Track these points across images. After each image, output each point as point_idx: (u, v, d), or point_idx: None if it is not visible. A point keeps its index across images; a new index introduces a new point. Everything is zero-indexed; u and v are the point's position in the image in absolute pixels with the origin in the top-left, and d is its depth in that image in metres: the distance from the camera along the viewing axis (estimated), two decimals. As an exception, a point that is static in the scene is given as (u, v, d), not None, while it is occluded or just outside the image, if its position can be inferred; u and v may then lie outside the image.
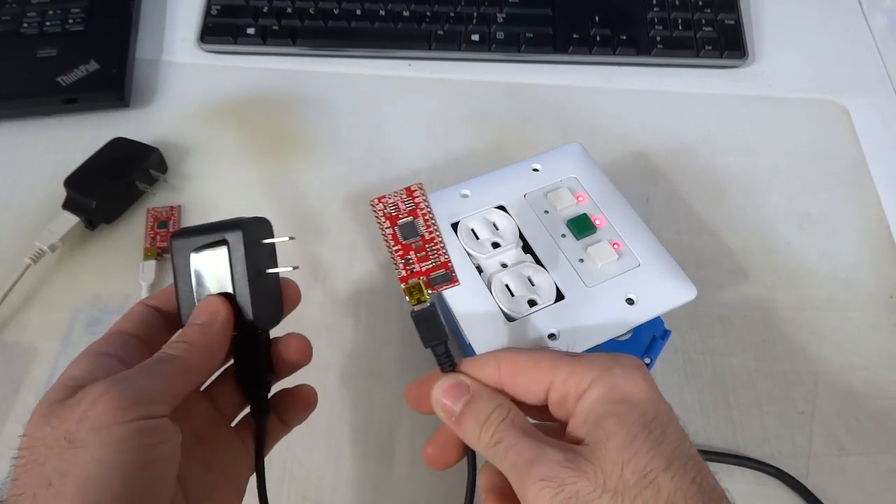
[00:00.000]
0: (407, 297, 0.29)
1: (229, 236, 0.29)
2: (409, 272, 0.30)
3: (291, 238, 0.32)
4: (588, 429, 0.26)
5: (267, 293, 0.31)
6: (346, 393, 0.43)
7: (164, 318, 0.31)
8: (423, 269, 0.30)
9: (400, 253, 0.30)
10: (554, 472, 0.24)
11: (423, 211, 0.30)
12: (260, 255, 0.30)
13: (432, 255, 0.30)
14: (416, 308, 0.29)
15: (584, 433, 0.26)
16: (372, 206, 0.31)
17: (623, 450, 0.24)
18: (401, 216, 0.31)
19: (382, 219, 0.31)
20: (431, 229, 0.30)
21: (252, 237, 0.30)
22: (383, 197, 0.31)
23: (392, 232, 0.30)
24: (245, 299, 0.29)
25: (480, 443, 0.27)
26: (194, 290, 0.30)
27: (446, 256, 0.30)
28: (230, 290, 0.29)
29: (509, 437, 0.26)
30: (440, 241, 0.30)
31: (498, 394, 0.28)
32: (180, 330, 0.29)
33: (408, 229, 0.30)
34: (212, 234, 0.30)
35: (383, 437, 0.42)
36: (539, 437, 0.26)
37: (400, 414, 0.43)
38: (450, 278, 0.30)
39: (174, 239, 0.30)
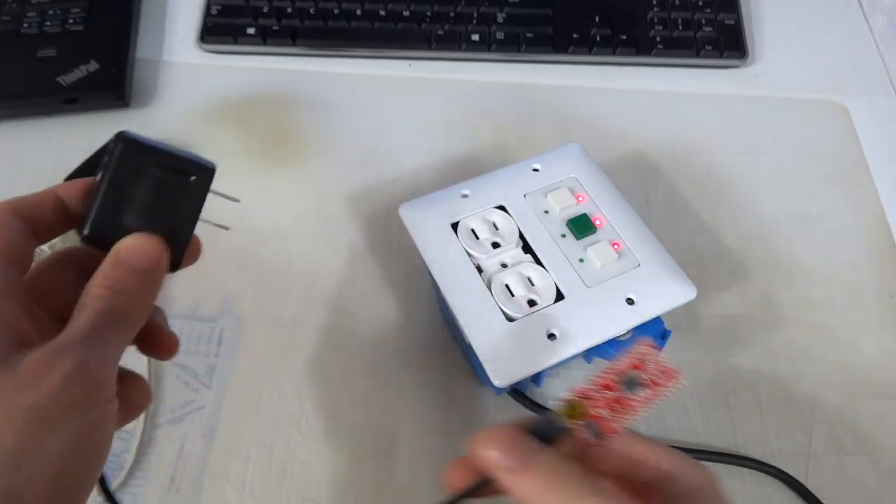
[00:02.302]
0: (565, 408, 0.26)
1: (198, 173, 0.27)
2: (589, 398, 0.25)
3: (237, 200, 0.30)
4: None
5: (187, 243, 0.28)
6: (346, 393, 0.43)
7: (27, 227, 0.26)
8: (600, 413, 0.25)
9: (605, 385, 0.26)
10: None
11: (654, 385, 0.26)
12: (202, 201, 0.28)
13: (619, 414, 0.25)
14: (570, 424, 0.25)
15: None
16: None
17: None
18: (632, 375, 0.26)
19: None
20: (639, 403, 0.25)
21: (211, 181, 0.28)
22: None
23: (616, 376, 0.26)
24: (176, 244, 0.27)
25: None
26: (123, 210, 0.26)
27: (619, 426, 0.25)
28: (164, 229, 0.26)
29: None
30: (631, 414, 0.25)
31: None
32: (111, 270, 0.25)
33: (631, 383, 0.25)
34: (178, 160, 0.27)
35: (383, 437, 0.42)
36: None
37: (400, 414, 0.43)
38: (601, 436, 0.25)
39: (126, 137, 0.26)
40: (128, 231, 0.26)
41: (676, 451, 0.26)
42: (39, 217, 0.26)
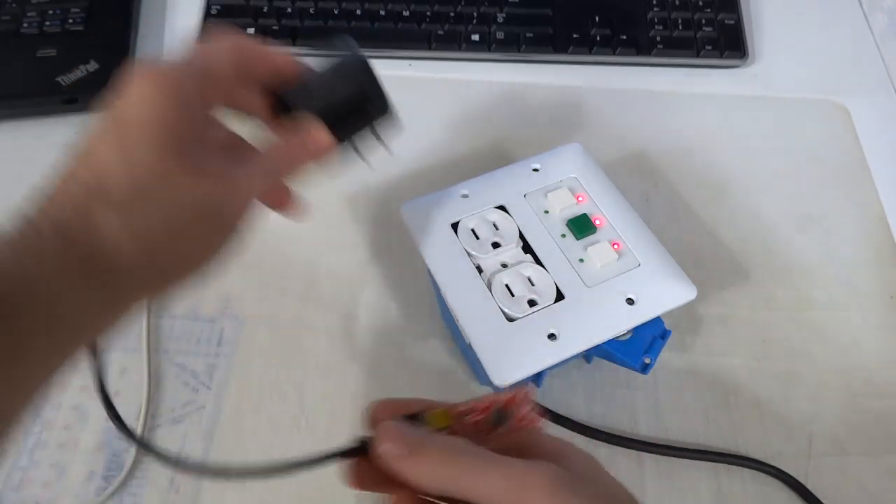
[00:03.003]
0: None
1: (381, 107, 0.35)
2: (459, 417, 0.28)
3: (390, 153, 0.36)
4: None
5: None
6: (346, 393, 0.43)
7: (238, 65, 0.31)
8: (464, 431, 0.27)
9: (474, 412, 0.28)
10: None
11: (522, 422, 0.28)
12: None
13: (476, 438, 0.26)
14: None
15: None
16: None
17: None
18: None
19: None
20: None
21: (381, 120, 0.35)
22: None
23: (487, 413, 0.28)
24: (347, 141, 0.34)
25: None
26: (324, 100, 0.32)
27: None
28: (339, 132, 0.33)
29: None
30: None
31: None
32: (294, 139, 0.32)
33: (500, 418, 0.28)
34: (379, 92, 0.35)
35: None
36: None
37: (400, 414, 0.43)
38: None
39: (358, 56, 0.34)
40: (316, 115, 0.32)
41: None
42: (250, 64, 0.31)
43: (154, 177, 0.26)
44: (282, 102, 0.32)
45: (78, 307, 0.25)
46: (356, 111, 0.34)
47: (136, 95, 0.27)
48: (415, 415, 0.27)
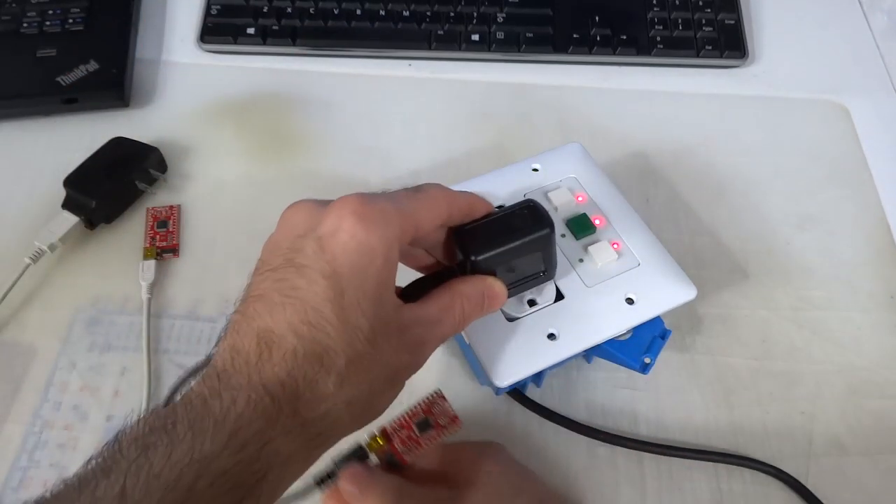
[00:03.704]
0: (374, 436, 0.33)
1: (547, 273, 0.36)
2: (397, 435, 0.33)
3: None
4: None
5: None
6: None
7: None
8: (396, 447, 0.33)
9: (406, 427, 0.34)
10: None
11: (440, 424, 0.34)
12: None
13: (410, 448, 0.33)
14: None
15: None
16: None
17: None
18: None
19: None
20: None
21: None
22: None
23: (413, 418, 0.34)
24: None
25: None
26: (506, 266, 0.33)
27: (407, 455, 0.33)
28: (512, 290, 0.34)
29: None
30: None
31: None
32: (473, 293, 0.32)
33: (423, 425, 0.33)
34: (551, 263, 0.35)
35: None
36: None
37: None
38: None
39: (547, 231, 0.33)
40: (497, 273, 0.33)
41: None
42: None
43: (370, 348, 0.27)
44: (458, 238, 0.33)
45: (298, 469, 0.28)
46: (531, 279, 0.35)
47: (353, 243, 0.27)
48: (359, 447, 0.33)
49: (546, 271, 0.35)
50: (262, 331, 0.26)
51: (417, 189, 0.31)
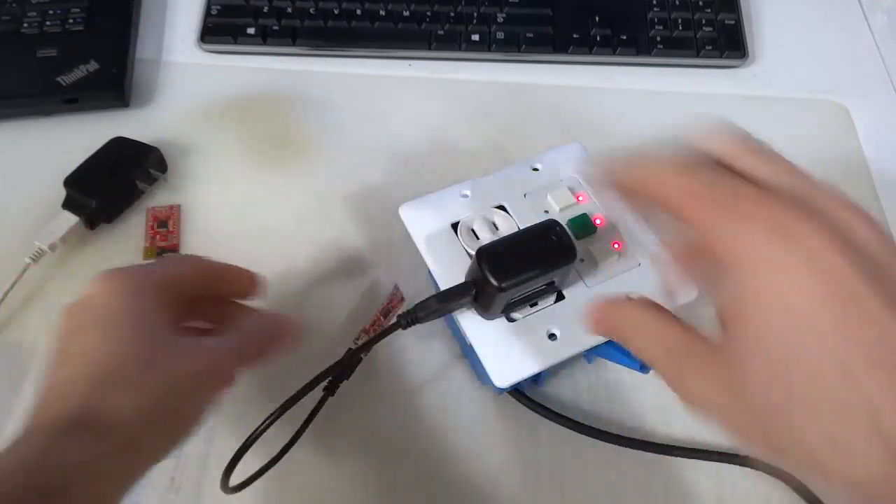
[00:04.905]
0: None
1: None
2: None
3: None
4: None
5: None
6: (346, 395, 0.43)
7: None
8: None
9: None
10: None
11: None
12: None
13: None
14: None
15: None
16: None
17: None
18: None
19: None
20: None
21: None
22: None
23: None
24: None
25: None
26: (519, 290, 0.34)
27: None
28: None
29: None
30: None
31: None
32: (270, 328, 0.37)
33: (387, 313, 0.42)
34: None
35: (386, 441, 0.42)
36: None
37: (400, 414, 0.43)
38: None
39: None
40: None
41: None
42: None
43: (139, 360, 0.30)
44: (482, 260, 0.33)
45: (110, 477, 0.29)
46: (540, 293, 0.36)
47: (104, 292, 0.32)
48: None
49: (557, 285, 0.36)
50: (56, 372, 0.31)
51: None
